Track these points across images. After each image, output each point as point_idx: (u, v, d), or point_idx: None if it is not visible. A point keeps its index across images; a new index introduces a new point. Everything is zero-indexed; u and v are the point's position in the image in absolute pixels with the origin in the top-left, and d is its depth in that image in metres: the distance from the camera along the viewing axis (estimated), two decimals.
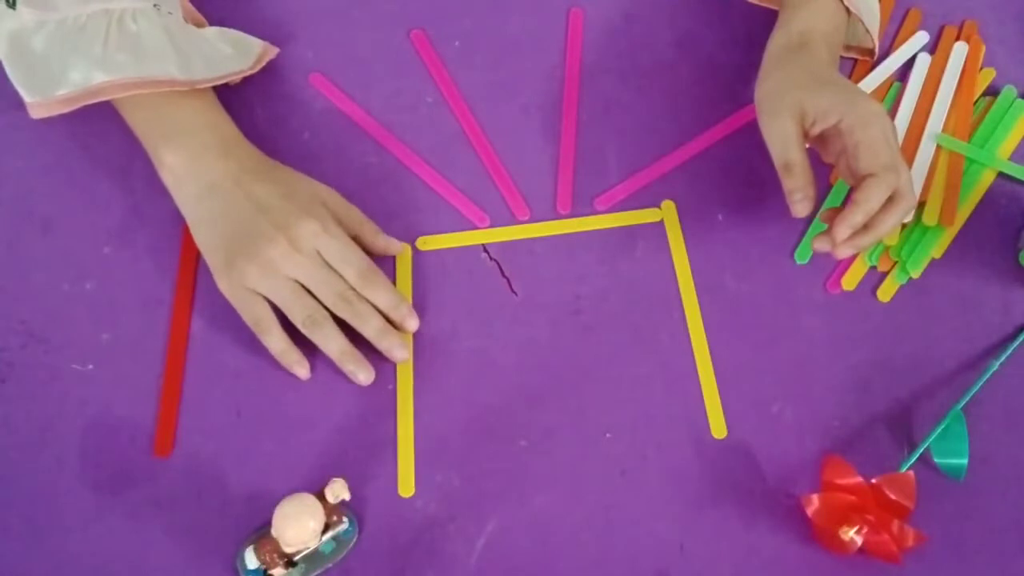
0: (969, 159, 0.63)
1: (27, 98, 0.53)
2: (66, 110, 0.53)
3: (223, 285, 0.53)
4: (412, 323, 0.55)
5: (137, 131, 0.56)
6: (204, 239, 0.54)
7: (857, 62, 0.67)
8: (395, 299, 0.55)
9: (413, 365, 0.56)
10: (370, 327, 0.54)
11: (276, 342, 0.53)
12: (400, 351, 0.54)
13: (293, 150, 0.60)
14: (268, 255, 0.52)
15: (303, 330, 0.53)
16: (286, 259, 0.52)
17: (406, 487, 0.53)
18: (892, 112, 0.65)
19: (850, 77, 0.67)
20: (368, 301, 0.54)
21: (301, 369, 0.54)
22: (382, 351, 0.54)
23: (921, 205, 0.61)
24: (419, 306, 0.57)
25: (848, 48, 0.65)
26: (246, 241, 0.52)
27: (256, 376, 0.55)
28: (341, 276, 0.54)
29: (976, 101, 0.66)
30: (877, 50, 0.65)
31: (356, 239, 0.56)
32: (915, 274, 0.60)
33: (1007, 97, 0.66)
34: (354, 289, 0.54)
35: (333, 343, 0.53)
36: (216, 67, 0.57)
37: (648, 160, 0.63)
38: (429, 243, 0.59)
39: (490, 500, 0.52)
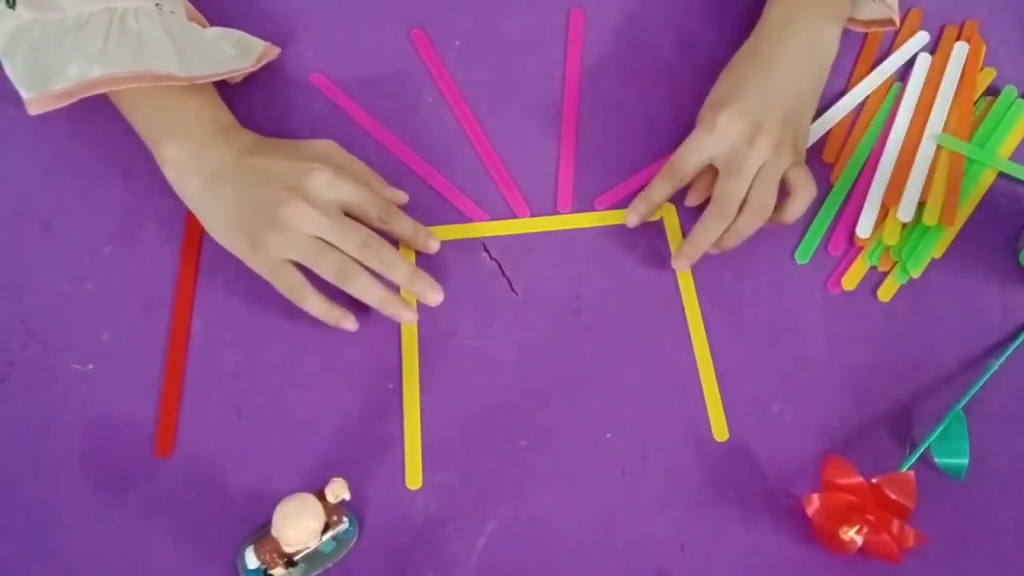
0: (969, 159, 0.63)
1: (25, 94, 0.53)
2: (63, 104, 0.53)
3: (254, 263, 0.53)
4: (434, 244, 0.57)
5: (138, 129, 0.56)
6: (219, 226, 0.54)
7: (858, 61, 0.67)
8: (416, 226, 0.56)
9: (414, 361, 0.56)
10: (400, 273, 0.53)
11: (316, 305, 0.53)
12: (434, 293, 0.54)
13: None
14: (285, 217, 0.51)
15: (337, 284, 0.52)
16: (303, 217, 0.52)
17: (414, 479, 0.53)
18: (892, 112, 0.65)
19: (851, 75, 0.67)
20: (393, 249, 0.54)
21: (348, 324, 0.54)
22: (415, 294, 0.54)
23: (921, 205, 0.61)
24: (420, 305, 0.57)
25: (869, 24, 0.66)
26: (262, 212, 0.52)
27: (256, 376, 0.55)
28: (361, 223, 0.54)
29: (976, 101, 0.66)
30: (898, 20, 0.65)
31: None
32: (915, 274, 0.60)
33: (1007, 97, 0.66)
34: (377, 236, 0.53)
35: (371, 292, 0.53)
36: (216, 65, 0.57)
37: (648, 160, 0.63)
38: None
39: (490, 500, 0.52)
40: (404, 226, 0.56)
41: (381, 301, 0.53)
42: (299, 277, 0.52)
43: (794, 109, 0.58)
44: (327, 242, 0.52)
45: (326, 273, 0.52)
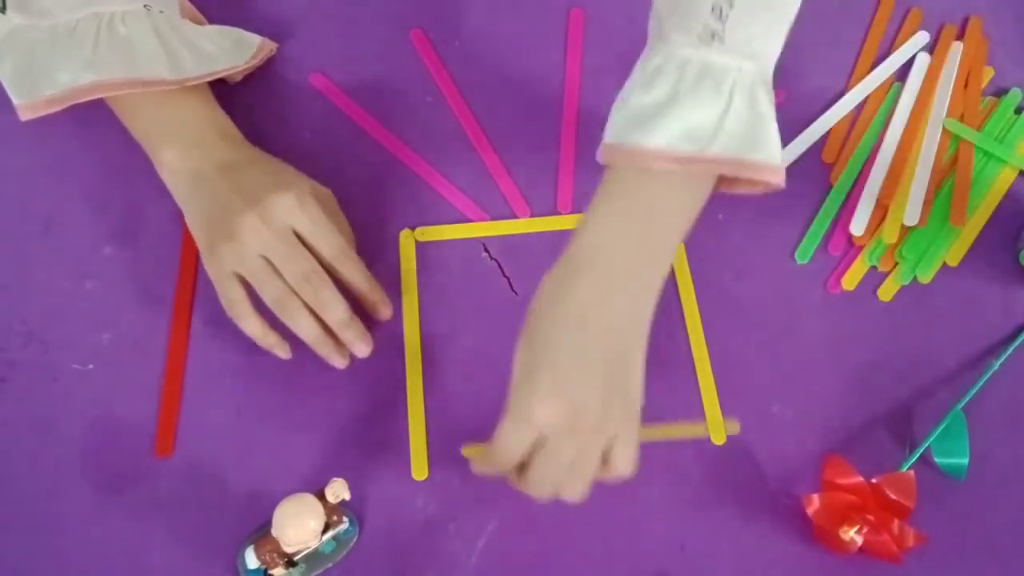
0: (978, 151, 0.63)
1: (15, 100, 0.53)
2: (54, 110, 0.53)
3: (207, 268, 0.53)
4: (385, 311, 0.55)
5: (135, 133, 0.56)
6: (192, 223, 0.54)
7: (858, 61, 0.67)
8: (371, 282, 0.54)
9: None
10: (333, 315, 0.51)
11: (251, 326, 0.51)
12: (362, 346, 0.53)
13: (293, 150, 0.60)
14: (238, 230, 0.50)
15: (274, 312, 0.51)
16: (254, 234, 0.50)
17: (419, 470, 0.53)
18: (891, 111, 0.65)
19: (851, 75, 0.66)
20: (334, 290, 0.52)
21: (281, 352, 0.52)
22: (344, 342, 0.53)
23: (925, 206, 0.61)
24: (420, 306, 0.57)
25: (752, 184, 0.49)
26: (222, 219, 0.51)
27: (256, 376, 0.55)
28: (313, 256, 0.52)
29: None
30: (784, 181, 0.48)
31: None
32: (925, 280, 0.59)
33: (1012, 99, 0.66)
34: (321, 273, 0.51)
35: (305, 328, 0.51)
36: (209, 63, 0.57)
37: None
38: (428, 234, 0.59)
39: (490, 500, 0.52)
40: (357, 277, 0.53)
41: (315, 339, 0.52)
42: (241, 293, 0.51)
43: (617, 365, 0.46)
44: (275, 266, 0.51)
45: (266, 298, 0.51)
